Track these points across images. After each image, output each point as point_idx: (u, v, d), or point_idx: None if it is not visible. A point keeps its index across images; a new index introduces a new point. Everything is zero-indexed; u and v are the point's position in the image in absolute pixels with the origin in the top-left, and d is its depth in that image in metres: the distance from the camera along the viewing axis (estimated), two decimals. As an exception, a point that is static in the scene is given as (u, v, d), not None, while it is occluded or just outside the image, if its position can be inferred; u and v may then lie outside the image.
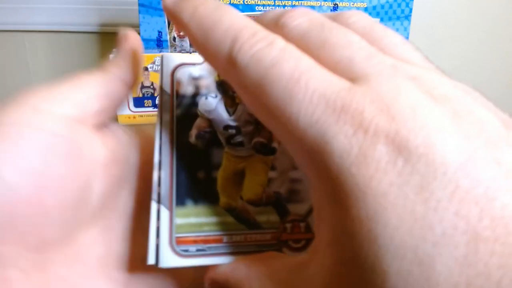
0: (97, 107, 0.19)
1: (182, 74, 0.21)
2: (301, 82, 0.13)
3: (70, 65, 0.92)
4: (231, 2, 0.71)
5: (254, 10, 0.72)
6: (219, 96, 0.21)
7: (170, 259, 0.19)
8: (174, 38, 0.73)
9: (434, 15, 0.88)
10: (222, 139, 0.21)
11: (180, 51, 0.74)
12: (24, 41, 0.90)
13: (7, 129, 0.16)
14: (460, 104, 0.13)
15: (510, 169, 0.11)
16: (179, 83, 0.21)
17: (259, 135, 0.21)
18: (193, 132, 0.20)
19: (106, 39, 0.85)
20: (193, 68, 0.21)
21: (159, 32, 0.73)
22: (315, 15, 0.16)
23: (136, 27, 0.87)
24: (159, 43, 0.74)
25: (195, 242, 0.19)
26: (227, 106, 0.21)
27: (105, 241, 0.20)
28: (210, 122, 0.21)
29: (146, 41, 0.75)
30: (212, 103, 0.21)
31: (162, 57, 0.21)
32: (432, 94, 0.13)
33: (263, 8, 0.71)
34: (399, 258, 0.10)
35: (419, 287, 0.10)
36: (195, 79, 0.21)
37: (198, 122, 0.20)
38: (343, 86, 0.13)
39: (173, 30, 0.73)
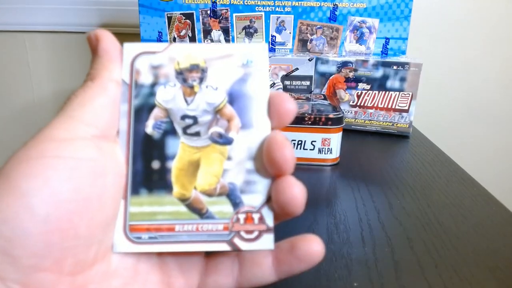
0: (109, 117, 0.19)
1: (141, 63, 0.21)
2: None
3: (70, 65, 0.92)
4: (231, 2, 0.71)
5: (254, 10, 0.72)
6: (178, 85, 0.21)
7: (123, 245, 0.19)
8: (175, 38, 0.73)
9: (434, 15, 0.88)
10: (178, 129, 0.21)
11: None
12: (25, 41, 0.90)
13: (32, 163, 0.16)
14: None
15: None
16: (138, 72, 0.21)
17: (216, 124, 0.21)
18: (150, 122, 0.21)
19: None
20: (153, 57, 0.21)
21: (159, 32, 0.74)
22: None
23: (136, 27, 0.86)
24: (159, 44, 0.74)
25: (147, 230, 0.20)
26: (185, 96, 0.21)
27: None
28: (167, 112, 0.21)
29: (146, 41, 0.75)
30: (171, 92, 0.21)
31: (123, 46, 0.21)
32: None
33: (263, 8, 0.71)
34: None
35: None
36: (154, 67, 0.21)
37: (155, 112, 0.21)
38: None
39: (173, 31, 0.73)
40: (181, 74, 0.21)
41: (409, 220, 0.37)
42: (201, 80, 0.21)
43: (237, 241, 0.20)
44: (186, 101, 0.21)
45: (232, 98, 0.21)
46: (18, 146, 0.17)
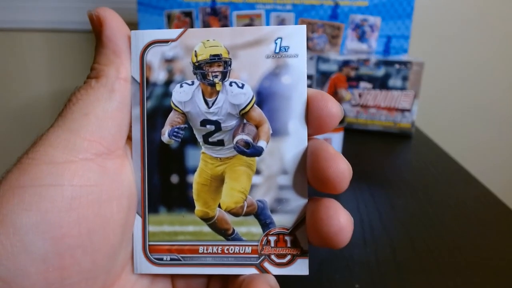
0: (116, 126, 0.17)
1: (153, 55, 0.18)
2: None
3: (69, 64, 0.92)
4: (231, 0, 0.71)
5: (254, 9, 0.71)
6: (196, 82, 0.18)
7: (144, 267, 0.18)
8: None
9: (436, 14, 0.88)
10: (198, 137, 0.18)
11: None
12: (23, 40, 0.90)
13: (26, 193, 0.14)
14: None
15: None
16: (149, 67, 0.18)
17: (242, 131, 0.18)
18: (166, 129, 0.18)
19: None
20: (166, 47, 0.18)
21: (159, 31, 0.73)
22: None
23: (135, 25, 0.86)
24: (158, 42, 0.73)
25: (169, 251, 0.18)
26: (205, 96, 0.18)
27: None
28: (185, 117, 0.18)
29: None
30: (188, 92, 0.18)
31: (131, 35, 0.18)
32: None
33: (264, 6, 0.71)
34: None
35: None
36: (168, 61, 0.18)
37: (172, 116, 0.18)
38: None
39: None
40: (199, 68, 0.18)
41: (411, 220, 0.36)
42: (224, 75, 0.18)
43: (267, 265, 0.18)
44: (206, 102, 0.18)
45: (262, 98, 0.18)
46: (16, 147, 0.16)
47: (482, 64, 0.91)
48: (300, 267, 0.18)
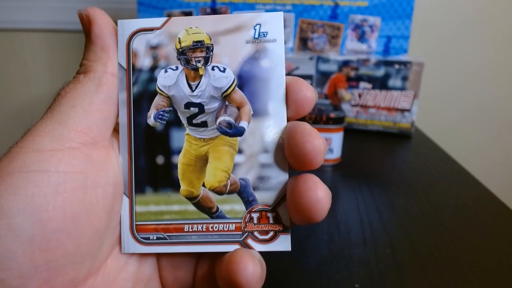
0: (102, 118, 0.17)
1: (138, 43, 0.19)
2: None
3: (68, 64, 0.92)
4: (232, 1, 0.71)
5: (254, 9, 0.71)
6: (180, 67, 0.19)
7: (131, 246, 0.19)
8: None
9: (436, 14, 0.88)
10: (183, 119, 0.19)
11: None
12: (23, 40, 0.90)
13: (14, 178, 0.15)
14: None
15: None
16: (135, 54, 0.19)
17: (225, 113, 0.19)
18: (151, 112, 0.19)
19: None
20: (151, 35, 0.19)
21: (159, 31, 0.73)
22: None
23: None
24: (158, 42, 0.73)
25: (155, 230, 0.19)
26: (189, 80, 0.19)
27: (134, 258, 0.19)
28: (170, 100, 0.19)
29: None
30: (172, 77, 0.19)
31: (117, 24, 0.19)
32: None
33: (264, 6, 0.71)
34: None
35: None
36: (153, 48, 0.19)
37: (157, 100, 0.19)
38: None
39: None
40: (183, 54, 0.19)
41: (411, 221, 0.36)
42: (207, 60, 0.19)
43: (250, 242, 0.18)
44: (190, 86, 0.19)
45: (243, 81, 0.19)
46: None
47: (482, 64, 0.91)
48: (283, 243, 0.18)
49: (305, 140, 0.17)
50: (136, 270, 0.19)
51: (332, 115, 0.47)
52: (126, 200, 0.19)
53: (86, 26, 0.18)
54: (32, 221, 0.15)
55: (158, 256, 0.20)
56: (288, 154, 0.18)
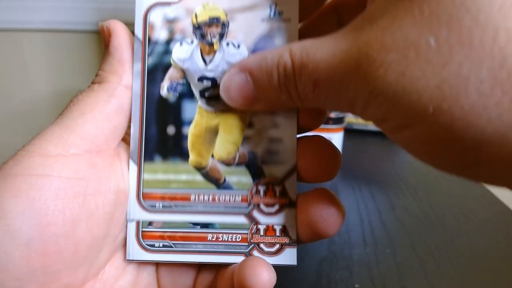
0: (111, 127, 0.18)
1: (155, 16, 0.19)
2: None
3: (69, 64, 0.92)
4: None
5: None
6: (196, 41, 0.19)
7: (136, 213, 0.19)
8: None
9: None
10: (195, 92, 0.19)
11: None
12: (22, 40, 0.90)
13: (17, 180, 0.15)
14: None
15: None
16: (152, 27, 0.19)
17: None
18: (165, 83, 0.19)
19: (106, 38, 0.84)
20: (168, 9, 0.19)
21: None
22: None
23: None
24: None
25: (162, 198, 0.19)
26: (203, 54, 0.19)
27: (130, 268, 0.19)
28: (184, 73, 0.19)
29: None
30: (187, 50, 0.19)
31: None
32: None
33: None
34: None
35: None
36: (169, 21, 0.19)
37: (171, 72, 0.19)
38: None
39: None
40: (199, 29, 0.19)
41: (411, 221, 0.36)
42: (222, 36, 0.19)
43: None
44: (204, 60, 0.19)
45: None
46: (16, 147, 0.16)
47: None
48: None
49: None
50: (134, 279, 0.19)
51: (332, 115, 0.47)
52: (134, 167, 0.19)
53: (106, 38, 0.19)
54: (31, 224, 0.15)
55: (158, 264, 0.20)
56: (301, 168, 0.19)
